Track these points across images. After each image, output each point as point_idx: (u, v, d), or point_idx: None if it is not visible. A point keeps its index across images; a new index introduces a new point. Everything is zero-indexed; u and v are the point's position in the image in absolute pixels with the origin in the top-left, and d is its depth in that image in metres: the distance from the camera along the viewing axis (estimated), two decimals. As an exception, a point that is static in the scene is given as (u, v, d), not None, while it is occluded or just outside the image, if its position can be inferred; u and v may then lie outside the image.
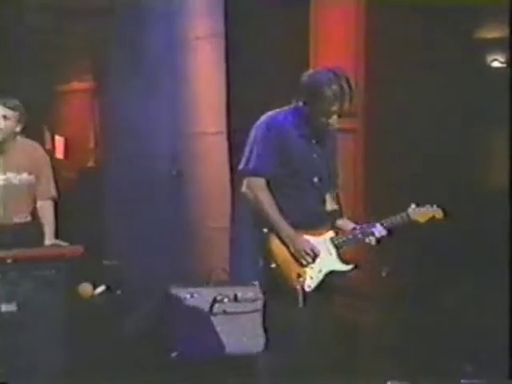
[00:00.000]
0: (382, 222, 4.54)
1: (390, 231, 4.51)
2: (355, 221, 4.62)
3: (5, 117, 5.69)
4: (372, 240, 4.44)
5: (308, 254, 4.35)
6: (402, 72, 6.14)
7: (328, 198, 4.57)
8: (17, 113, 5.76)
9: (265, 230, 4.42)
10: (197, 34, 7.11)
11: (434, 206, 4.55)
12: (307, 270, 4.39)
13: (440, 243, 5.66)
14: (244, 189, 4.47)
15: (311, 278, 4.38)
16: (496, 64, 6.16)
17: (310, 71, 4.57)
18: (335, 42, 6.45)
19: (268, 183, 4.41)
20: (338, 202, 4.65)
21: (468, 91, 5.98)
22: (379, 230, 4.44)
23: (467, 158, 6.09)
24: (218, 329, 5.97)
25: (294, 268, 4.38)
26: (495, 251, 5.28)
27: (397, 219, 4.49)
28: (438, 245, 5.70)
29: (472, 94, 5.94)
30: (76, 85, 8.40)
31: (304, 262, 4.35)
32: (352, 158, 6.31)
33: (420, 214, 4.51)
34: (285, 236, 4.34)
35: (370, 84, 6.28)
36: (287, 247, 4.40)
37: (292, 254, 4.40)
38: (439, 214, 4.52)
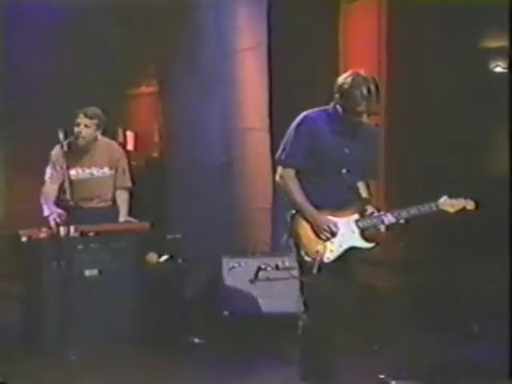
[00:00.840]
0: (406, 210, 4.39)
1: (407, 220, 4.39)
2: (381, 208, 4.52)
3: (86, 125, 5.92)
4: (382, 227, 4.37)
5: (326, 230, 4.31)
6: (416, 76, 6.11)
7: (360, 186, 4.50)
8: (96, 120, 5.99)
9: (293, 212, 4.40)
10: (243, 46, 7.13)
11: (467, 199, 4.37)
12: (328, 244, 4.35)
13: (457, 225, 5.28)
14: (277, 178, 4.47)
15: (331, 251, 4.34)
16: (499, 69, 6.06)
17: (343, 75, 4.46)
18: (361, 51, 6.44)
19: (298, 172, 4.38)
20: (369, 191, 4.55)
21: (473, 94, 5.91)
22: (389, 219, 4.34)
23: (477, 149, 6.04)
24: (262, 293, 6.06)
25: (315, 244, 4.34)
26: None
27: (424, 208, 4.37)
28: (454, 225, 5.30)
29: (476, 96, 5.87)
30: (144, 89, 8.47)
31: (323, 237, 4.31)
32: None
33: (451, 204, 4.36)
34: (308, 215, 4.33)
35: (391, 86, 6.19)
36: (311, 226, 4.37)
37: (314, 232, 4.37)
38: (471, 205, 4.36)
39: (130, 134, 7.66)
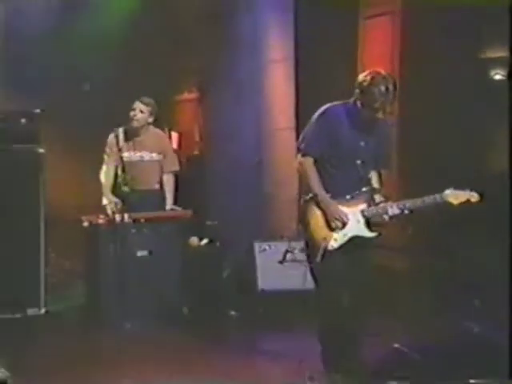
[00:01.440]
0: (411, 201, 4.21)
1: (411, 211, 4.19)
2: (389, 198, 4.35)
3: (141, 111, 5.96)
4: (386, 217, 4.21)
5: (338, 220, 4.19)
6: (424, 79, 6.02)
7: (372, 176, 4.37)
8: (149, 107, 6.02)
9: (307, 197, 4.29)
10: (273, 58, 7.24)
11: (472, 191, 4.12)
12: (333, 233, 4.23)
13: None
14: (297, 166, 4.35)
15: (335, 240, 4.22)
16: (498, 76, 5.92)
17: (364, 73, 4.31)
18: (377, 59, 6.29)
19: (316, 161, 4.26)
20: (380, 181, 4.41)
21: (473, 96, 5.79)
22: (392, 210, 4.17)
23: (484, 146, 5.88)
24: (289, 272, 6.08)
25: (322, 231, 4.23)
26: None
27: (430, 199, 4.16)
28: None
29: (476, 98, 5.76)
30: (187, 95, 8.51)
31: (333, 226, 4.19)
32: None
33: (455, 196, 4.12)
34: (323, 205, 4.21)
35: (402, 86, 5.88)
36: (323, 213, 4.25)
37: (324, 220, 4.24)
38: (475, 197, 4.10)
39: (174, 134, 7.72)
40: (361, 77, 4.24)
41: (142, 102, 6.01)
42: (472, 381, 3.83)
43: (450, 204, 4.10)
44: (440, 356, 4.44)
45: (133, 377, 4.60)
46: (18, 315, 5.99)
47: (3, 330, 5.59)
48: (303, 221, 4.31)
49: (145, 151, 6.10)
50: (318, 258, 4.11)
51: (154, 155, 6.15)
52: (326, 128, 4.26)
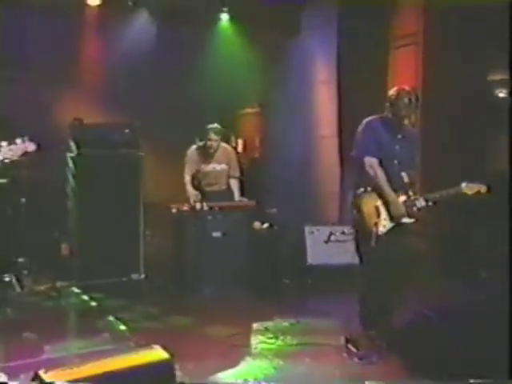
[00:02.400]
0: (437, 193, 4.30)
1: (434, 202, 4.28)
2: (420, 192, 4.41)
3: (214, 140, 6.29)
4: (414, 209, 4.27)
5: (398, 210, 4.25)
6: (443, 93, 6.01)
7: (405, 174, 4.36)
8: (220, 135, 6.35)
9: (360, 191, 4.30)
10: (320, 79, 7.39)
11: (481, 184, 4.28)
12: (382, 220, 4.25)
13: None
14: (367, 167, 4.28)
15: (384, 226, 4.26)
16: (502, 94, 6.04)
17: (392, 89, 4.41)
18: (403, 79, 6.09)
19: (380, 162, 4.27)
20: (410, 179, 4.39)
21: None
22: (420, 203, 4.27)
23: (489, 148, 5.87)
24: (332, 250, 6.28)
25: (373, 219, 4.25)
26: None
27: (451, 191, 4.28)
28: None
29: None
30: (249, 110, 8.57)
31: (395, 215, 4.23)
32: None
33: (469, 188, 4.27)
34: (390, 199, 4.25)
35: (424, 100, 5.87)
36: (383, 202, 4.25)
37: (376, 208, 4.25)
38: (484, 189, 4.27)
39: (239, 141, 7.92)
40: (390, 92, 4.39)
41: (215, 133, 6.26)
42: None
43: (465, 194, 4.25)
44: (454, 315, 4.23)
45: (210, 326, 4.98)
46: (124, 279, 6.32)
47: (115, 290, 5.96)
48: (357, 209, 4.30)
49: (216, 163, 6.38)
50: (373, 243, 4.17)
51: (223, 166, 6.40)
52: (371, 136, 4.34)
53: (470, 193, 4.28)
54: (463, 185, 4.28)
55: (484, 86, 5.96)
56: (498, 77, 5.85)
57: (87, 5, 7.15)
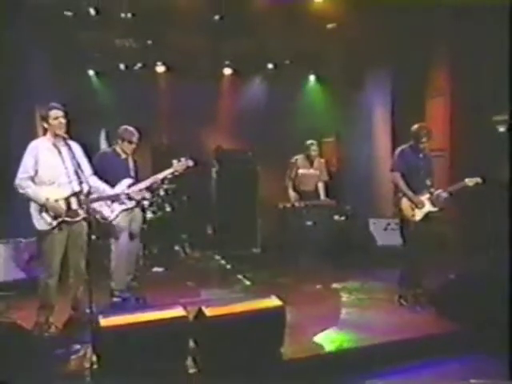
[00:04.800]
0: (450, 188, 4.32)
1: (451, 194, 4.30)
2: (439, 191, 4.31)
3: (315, 150, 5.89)
4: (441, 199, 4.29)
5: (420, 203, 4.24)
6: (463, 130, 5.72)
7: (428, 180, 4.34)
8: (317, 152, 5.96)
9: (400, 195, 4.33)
10: (378, 119, 7.05)
11: (478, 178, 4.29)
12: (416, 211, 4.27)
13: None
14: (392, 178, 4.38)
15: (418, 215, 4.27)
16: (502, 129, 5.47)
17: (415, 125, 4.36)
18: (436, 119, 5.94)
19: (403, 175, 4.31)
20: (432, 182, 4.35)
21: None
22: (443, 195, 4.31)
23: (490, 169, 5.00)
24: (388, 236, 6.03)
25: (409, 212, 4.26)
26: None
27: (459, 185, 4.33)
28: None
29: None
30: (328, 139, 7.72)
31: (419, 207, 4.25)
32: (443, 163, 5.68)
33: (470, 181, 4.31)
34: (411, 197, 4.26)
35: (452, 133, 5.87)
36: (411, 202, 4.26)
37: (410, 206, 4.24)
38: (479, 181, 4.30)
39: (322, 160, 6.78)
40: (412, 128, 4.34)
41: (315, 145, 6.00)
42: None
43: (467, 186, 4.29)
44: (471, 281, 4.09)
45: (305, 284, 4.88)
46: (246, 253, 6.47)
47: (242, 259, 6.08)
48: (398, 207, 4.35)
49: (312, 169, 6.13)
50: (412, 228, 4.21)
51: (315, 171, 6.15)
52: (402, 158, 4.36)
53: (470, 184, 4.28)
54: (466, 180, 4.32)
55: (490, 124, 5.53)
56: (500, 118, 5.46)
57: (223, 74, 7.41)
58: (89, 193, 3.47)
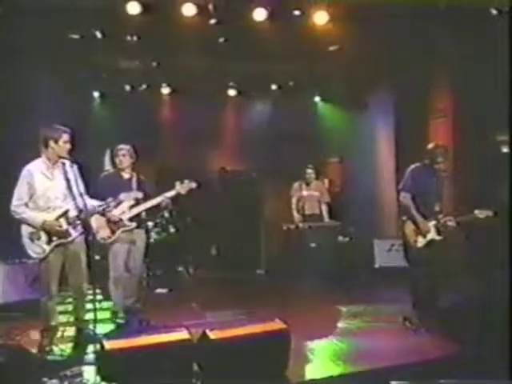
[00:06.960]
0: (459, 218, 4.16)
1: (458, 223, 4.15)
2: (449, 216, 4.21)
3: (310, 173, 6.27)
4: (448, 227, 4.17)
5: (426, 231, 4.15)
6: (465, 149, 5.71)
7: (436, 206, 4.24)
8: (314, 171, 6.29)
9: (403, 218, 4.22)
10: (382, 140, 7.13)
11: (489, 210, 4.13)
12: (420, 238, 4.17)
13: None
14: (401, 199, 4.25)
15: (420, 242, 4.18)
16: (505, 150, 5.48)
17: (431, 143, 4.35)
18: (439, 138, 5.80)
19: (413, 197, 4.22)
20: (441, 208, 4.27)
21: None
22: (450, 225, 4.17)
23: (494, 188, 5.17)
24: (392, 256, 6.00)
25: (412, 237, 4.18)
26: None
27: (469, 216, 4.16)
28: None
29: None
30: (333, 160, 7.93)
31: (423, 233, 4.14)
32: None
33: (481, 213, 4.14)
34: (419, 222, 4.17)
35: (455, 151, 5.62)
36: (416, 227, 4.14)
37: (413, 230, 4.15)
38: (490, 214, 4.12)
39: (326, 180, 7.39)
40: (428, 146, 4.32)
41: (310, 169, 6.29)
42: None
43: (478, 218, 4.14)
44: (476, 303, 4.12)
45: (306, 304, 4.91)
46: (251, 274, 6.60)
47: (244, 283, 6.22)
48: (402, 231, 4.28)
49: (313, 191, 6.33)
50: (414, 251, 4.11)
51: (317, 193, 6.34)
52: (413, 178, 4.27)
53: (481, 216, 4.13)
54: (476, 211, 4.14)
55: (492, 143, 5.57)
56: (501, 138, 5.50)
57: (228, 95, 7.50)
58: (80, 212, 3.46)
